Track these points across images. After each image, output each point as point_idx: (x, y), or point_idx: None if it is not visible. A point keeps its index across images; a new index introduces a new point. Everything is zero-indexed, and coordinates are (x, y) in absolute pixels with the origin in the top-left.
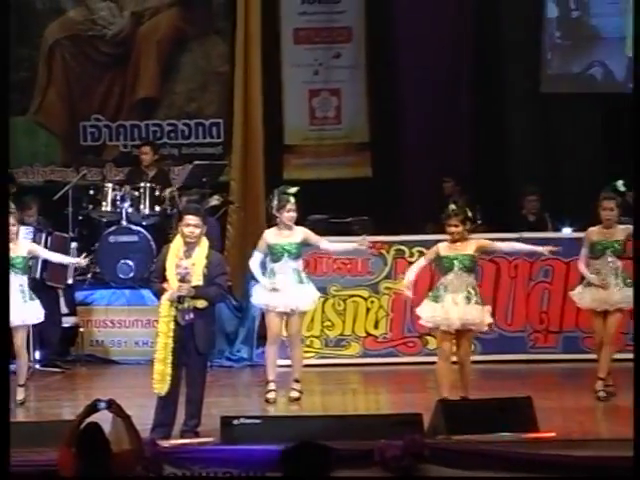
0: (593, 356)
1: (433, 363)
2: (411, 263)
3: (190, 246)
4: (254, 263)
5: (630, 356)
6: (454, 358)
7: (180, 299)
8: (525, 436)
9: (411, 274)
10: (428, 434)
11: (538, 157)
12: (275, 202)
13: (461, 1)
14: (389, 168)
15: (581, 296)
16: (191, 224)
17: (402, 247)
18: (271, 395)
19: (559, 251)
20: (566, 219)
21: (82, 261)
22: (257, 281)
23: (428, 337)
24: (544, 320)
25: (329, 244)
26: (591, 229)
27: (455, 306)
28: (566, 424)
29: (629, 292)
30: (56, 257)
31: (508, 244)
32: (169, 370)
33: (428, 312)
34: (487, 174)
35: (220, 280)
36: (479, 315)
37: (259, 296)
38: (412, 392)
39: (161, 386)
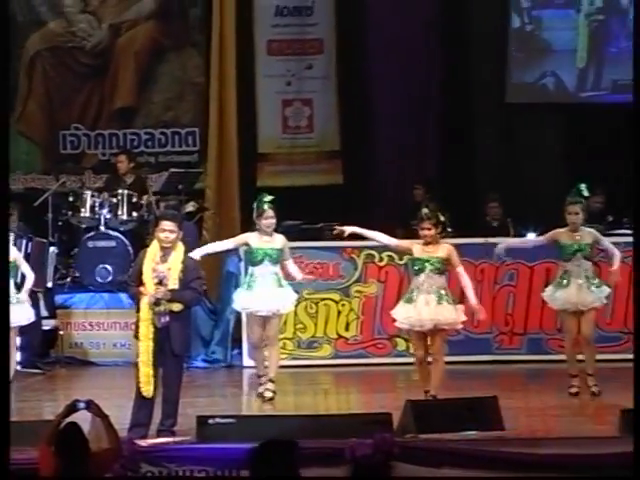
0: (557, 357)
1: (403, 364)
2: (381, 267)
3: (166, 251)
4: (216, 244)
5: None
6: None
7: (157, 302)
8: (491, 434)
9: (374, 234)
10: (397, 433)
11: (503, 165)
12: (254, 209)
13: (430, 12)
14: (359, 175)
15: (553, 297)
16: (166, 229)
17: (372, 252)
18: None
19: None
20: (530, 224)
21: (24, 297)
22: (236, 287)
23: (398, 339)
24: (509, 322)
25: (292, 267)
26: (559, 230)
27: (427, 307)
28: (531, 423)
29: (600, 293)
30: (28, 273)
31: (462, 275)
32: (152, 371)
33: (402, 313)
34: (454, 181)
35: (195, 284)
36: (451, 315)
37: (241, 301)
38: (382, 392)
39: (148, 388)
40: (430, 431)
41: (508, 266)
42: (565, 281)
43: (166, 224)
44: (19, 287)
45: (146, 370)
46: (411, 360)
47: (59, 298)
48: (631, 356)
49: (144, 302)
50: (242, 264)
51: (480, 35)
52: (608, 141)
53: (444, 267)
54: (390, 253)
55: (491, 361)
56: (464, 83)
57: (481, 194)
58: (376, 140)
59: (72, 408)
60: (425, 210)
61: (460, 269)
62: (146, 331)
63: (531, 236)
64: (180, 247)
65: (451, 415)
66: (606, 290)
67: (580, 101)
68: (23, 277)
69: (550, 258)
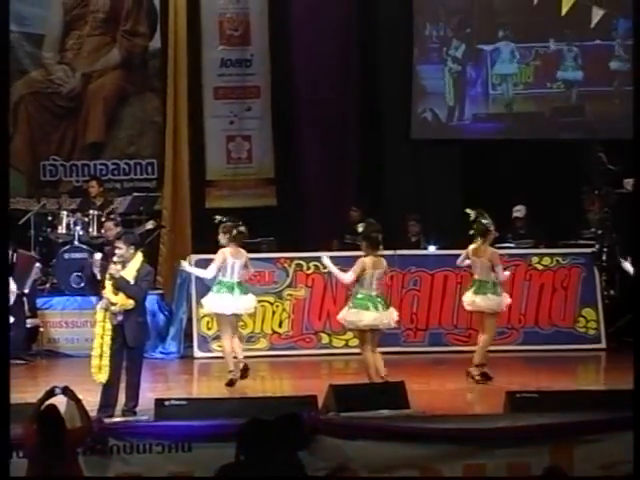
0: (453, 348)
1: (325, 355)
2: (308, 275)
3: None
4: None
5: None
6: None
7: (112, 304)
8: (399, 412)
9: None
10: (322, 412)
11: (411, 191)
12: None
13: (347, 62)
14: (290, 199)
15: (474, 301)
16: (116, 246)
17: (301, 262)
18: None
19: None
20: (431, 239)
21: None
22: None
23: (322, 334)
24: (414, 320)
25: None
26: (473, 246)
27: (376, 311)
28: (432, 403)
29: (503, 298)
30: None
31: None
32: (106, 362)
33: (353, 316)
34: (370, 204)
35: (142, 284)
36: (392, 316)
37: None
38: (309, 378)
39: (100, 375)
40: (349, 410)
41: (413, 274)
42: (481, 287)
43: (119, 245)
44: None
45: (96, 362)
46: (332, 351)
47: (40, 301)
48: (513, 347)
49: (98, 307)
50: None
51: (389, 84)
52: (495, 172)
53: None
54: (316, 263)
55: (399, 352)
56: (376, 122)
57: (395, 215)
58: (304, 169)
59: (51, 393)
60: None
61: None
62: (101, 330)
63: (432, 249)
64: (138, 257)
65: (366, 397)
66: (506, 295)
67: (451, 130)
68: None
69: (447, 267)
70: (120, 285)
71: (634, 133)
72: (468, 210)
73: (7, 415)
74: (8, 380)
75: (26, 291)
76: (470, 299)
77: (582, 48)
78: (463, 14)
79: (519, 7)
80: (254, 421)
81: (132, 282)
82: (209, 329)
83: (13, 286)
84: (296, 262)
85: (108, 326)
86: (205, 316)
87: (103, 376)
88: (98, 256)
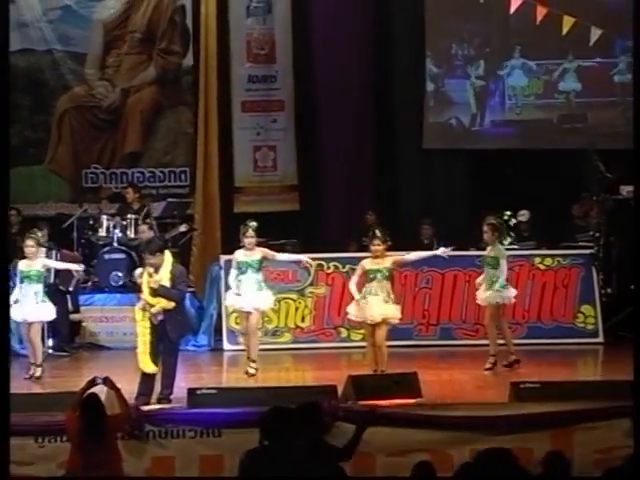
0: (462, 342)
1: (344, 348)
2: (328, 274)
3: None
4: (232, 276)
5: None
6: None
7: (151, 305)
8: (412, 401)
9: (353, 288)
10: (341, 400)
11: (426, 195)
12: (241, 231)
13: (365, 78)
14: (312, 204)
15: (484, 296)
16: (149, 260)
17: (322, 262)
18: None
19: (446, 253)
20: (442, 242)
21: (79, 268)
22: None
23: (341, 329)
24: (426, 315)
25: (280, 255)
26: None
27: (376, 305)
28: (442, 392)
29: (508, 292)
30: (62, 265)
31: (412, 256)
32: (149, 356)
33: (357, 310)
34: (386, 209)
35: (181, 286)
36: (393, 311)
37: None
38: (329, 369)
39: (146, 365)
40: (366, 399)
41: (425, 273)
42: (487, 283)
43: (147, 257)
44: (51, 287)
45: (142, 356)
46: (351, 345)
47: (82, 298)
48: (517, 341)
49: (137, 307)
50: (222, 271)
51: (404, 96)
52: (501, 179)
53: (391, 274)
54: (336, 263)
55: (412, 345)
56: (392, 132)
57: (410, 219)
58: (325, 177)
59: (92, 382)
60: (377, 231)
61: (407, 257)
62: (142, 330)
63: (441, 250)
64: (168, 260)
65: (382, 386)
66: (512, 290)
67: (473, 134)
68: (56, 276)
69: (456, 267)
70: (161, 292)
71: (634, 139)
72: (508, 213)
73: (7, 415)
74: (8, 380)
75: (70, 289)
76: (508, 293)
77: (582, 64)
78: (483, 36)
79: (530, 29)
80: (276, 409)
81: (169, 284)
82: (237, 324)
83: (63, 265)
84: (317, 262)
85: (147, 324)
86: (233, 312)
87: (150, 366)
88: (138, 271)
